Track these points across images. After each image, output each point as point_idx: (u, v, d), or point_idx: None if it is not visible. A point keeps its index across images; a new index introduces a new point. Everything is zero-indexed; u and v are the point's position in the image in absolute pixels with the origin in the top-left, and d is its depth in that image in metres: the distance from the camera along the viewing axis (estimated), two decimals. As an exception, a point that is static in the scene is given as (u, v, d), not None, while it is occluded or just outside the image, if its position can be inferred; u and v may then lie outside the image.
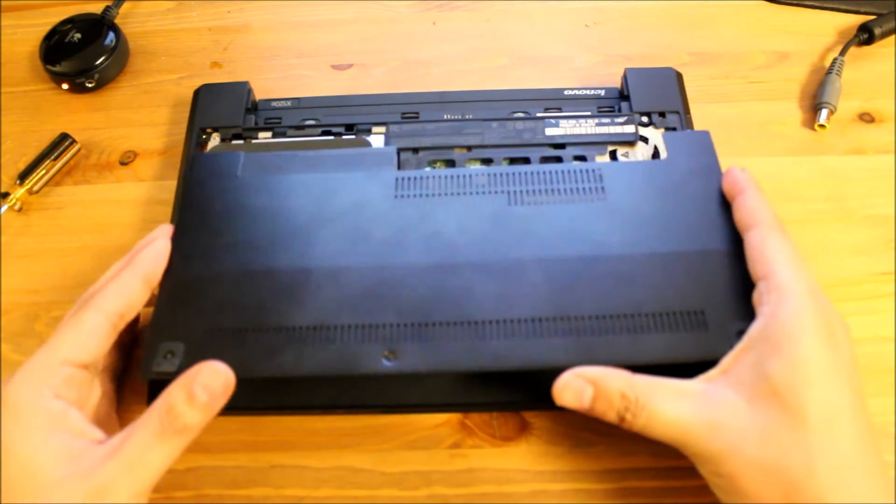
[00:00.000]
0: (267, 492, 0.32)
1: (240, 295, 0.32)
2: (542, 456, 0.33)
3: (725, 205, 0.34)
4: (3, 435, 0.26)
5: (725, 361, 0.28)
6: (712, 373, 0.28)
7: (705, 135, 0.37)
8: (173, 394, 0.27)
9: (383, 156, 0.38)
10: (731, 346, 0.29)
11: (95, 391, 0.30)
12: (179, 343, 0.31)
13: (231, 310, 0.32)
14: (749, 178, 0.33)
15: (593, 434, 0.33)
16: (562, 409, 0.33)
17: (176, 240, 0.34)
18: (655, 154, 0.38)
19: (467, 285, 0.32)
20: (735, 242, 0.32)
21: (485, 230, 0.34)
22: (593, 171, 0.36)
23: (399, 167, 0.38)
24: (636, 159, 0.38)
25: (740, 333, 0.29)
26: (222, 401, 0.28)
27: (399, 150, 0.39)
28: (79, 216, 0.41)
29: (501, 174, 0.36)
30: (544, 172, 0.36)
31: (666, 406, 0.27)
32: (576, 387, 0.28)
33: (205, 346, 0.31)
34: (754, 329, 0.28)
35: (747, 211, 0.32)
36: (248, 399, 0.33)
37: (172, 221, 0.37)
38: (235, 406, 0.33)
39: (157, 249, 0.32)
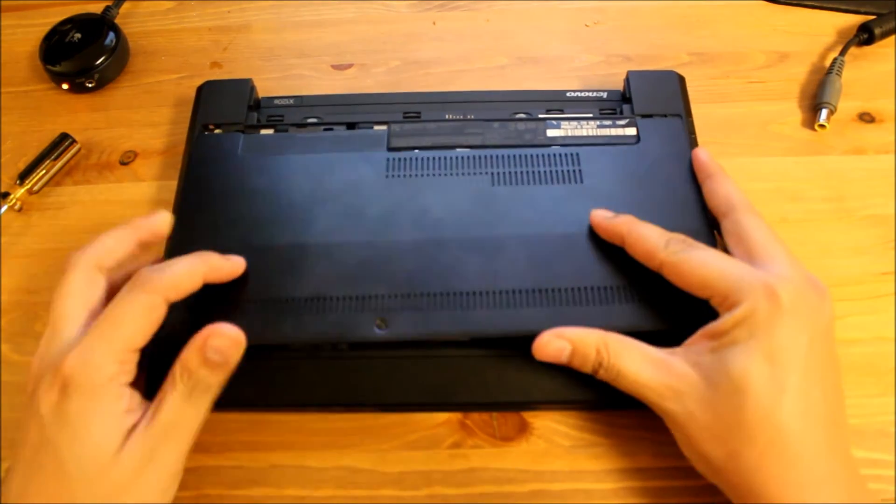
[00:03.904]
0: (267, 492, 0.32)
1: None
2: (542, 456, 0.33)
3: (693, 188, 0.36)
4: (87, 415, 0.28)
5: (691, 340, 0.30)
6: (677, 349, 0.30)
7: (677, 122, 0.39)
8: (189, 358, 0.29)
9: (375, 137, 0.39)
10: (691, 318, 0.31)
11: None
12: (187, 313, 0.32)
13: (233, 283, 0.33)
14: (715, 163, 0.35)
15: (593, 434, 0.33)
16: (561, 410, 0.34)
17: (181, 217, 0.35)
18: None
19: (453, 260, 0.34)
20: (699, 222, 0.34)
21: (469, 209, 0.36)
22: (571, 154, 0.37)
23: (389, 146, 0.39)
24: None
25: (701, 304, 0.30)
26: (236, 357, 0.30)
27: (389, 124, 0.40)
28: (79, 216, 0.41)
29: (485, 156, 0.38)
30: (526, 155, 0.38)
31: (633, 367, 0.30)
32: (557, 345, 0.31)
33: (210, 316, 0.32)
34: (728, 319, 0.29)
35: (721, 198, 0.34)
36: (248, 396, 0.33)
37: (175, 205, 0.38)
38: (235, 404, 0.33)
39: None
